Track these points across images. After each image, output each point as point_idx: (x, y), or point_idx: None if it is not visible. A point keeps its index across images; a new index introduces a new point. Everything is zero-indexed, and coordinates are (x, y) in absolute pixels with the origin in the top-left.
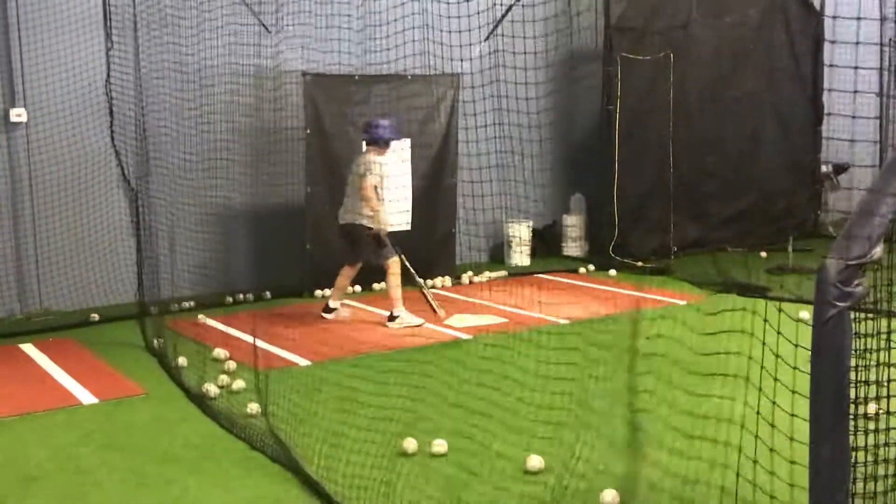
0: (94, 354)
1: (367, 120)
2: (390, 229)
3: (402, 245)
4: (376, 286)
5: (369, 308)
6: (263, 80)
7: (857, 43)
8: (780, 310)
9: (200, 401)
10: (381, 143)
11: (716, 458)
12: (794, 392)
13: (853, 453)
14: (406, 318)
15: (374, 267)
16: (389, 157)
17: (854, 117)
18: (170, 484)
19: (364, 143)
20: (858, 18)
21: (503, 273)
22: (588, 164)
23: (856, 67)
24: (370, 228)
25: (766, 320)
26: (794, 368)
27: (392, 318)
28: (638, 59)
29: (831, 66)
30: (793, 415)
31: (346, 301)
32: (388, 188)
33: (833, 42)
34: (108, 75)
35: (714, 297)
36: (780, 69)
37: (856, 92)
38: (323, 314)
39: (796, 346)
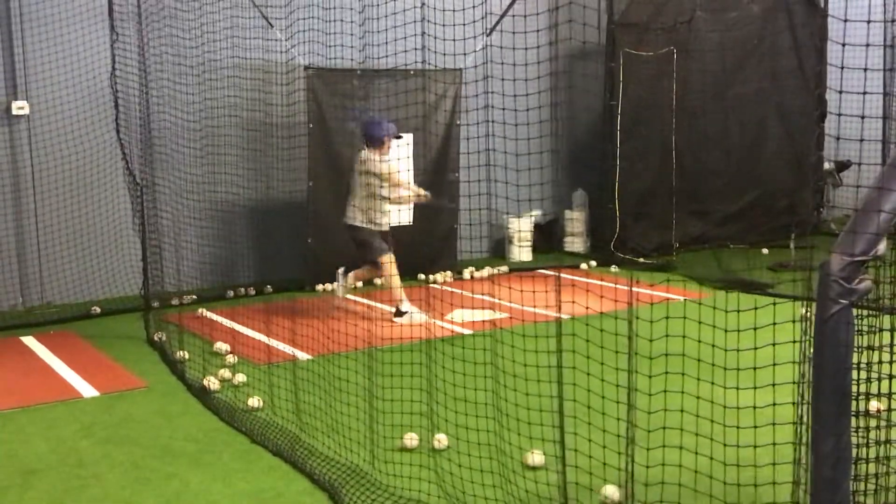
0: (96, 347)
1: (365, 119)
2: (389, 227)
3: (403, 240)
4: (377, 281)
5: (370, 303)
6: (266, 75)
7: (867, 45)
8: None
9: (201, 394)
10: (376, 143)
11: (716, 454)
12: (796, 389)
13: (854, 450)
14: (413, 313)
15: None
16: (390, 155)
17: (863, 118)
18: (170, 477)
19: (365, 143)
20: (868, 21)
21: (504, 269)
22: (590, 159)
23: (865, 69)
24: (378, 225)
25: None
26: (797, 364)
27: (399, 313)
28: (641, 54)
29: (842, 67)
30: (798, 418)
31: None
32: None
33: (844, 45)
34: (114, 67)
35: (716, 294)
36: (783, 66)
37: (864, 93)
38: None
39: (797, 342)
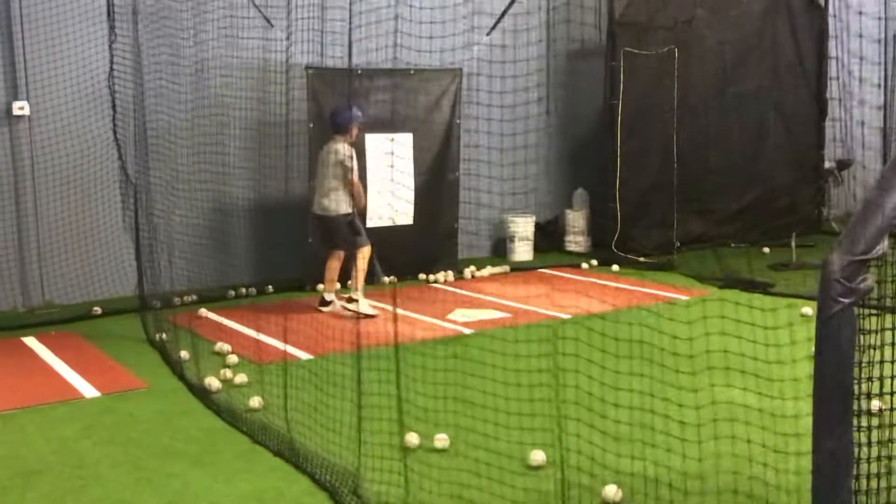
0: (97, 348)
1: (333, 108)
2: (375, 224)
3: (404, 240)
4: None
5: (371, 301)
6: (266, 74)
7: (864, 58)
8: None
9: (202, 394)
10: (341, 130)
11: (718, 452)
12: (797, 387)
13: (856, 449)
14: (363, 305)
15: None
16: (345, 145)
17: (862, 123)
18: (171, 478)
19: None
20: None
21: (505, 268)
22: (591, 158)
23: (863, 75)
24: (348, 214)
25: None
26: (799, 363)
27: (350, 300)
28: (642, 53)
29: (839, 67)
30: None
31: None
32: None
33: (843, 46)
34: (112, 68)
35: (717, 293)
36: (783, 64)
37: (865, 102)
38: (319, 308)
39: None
